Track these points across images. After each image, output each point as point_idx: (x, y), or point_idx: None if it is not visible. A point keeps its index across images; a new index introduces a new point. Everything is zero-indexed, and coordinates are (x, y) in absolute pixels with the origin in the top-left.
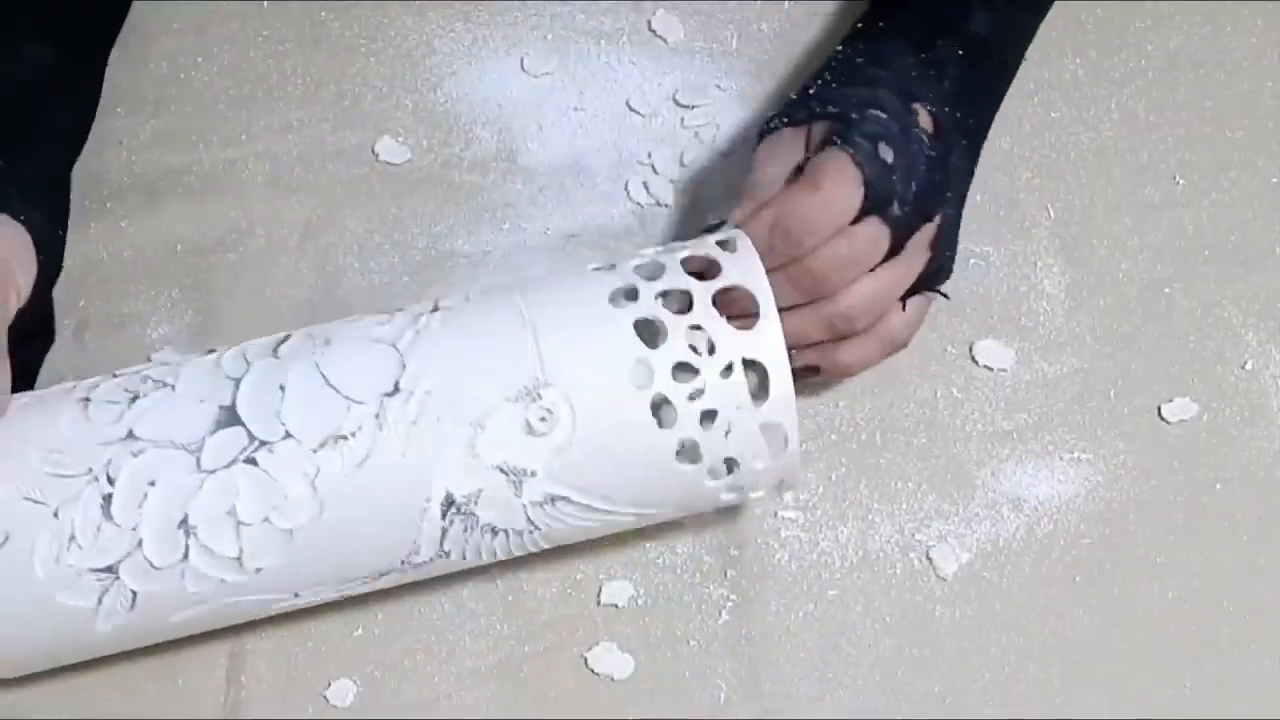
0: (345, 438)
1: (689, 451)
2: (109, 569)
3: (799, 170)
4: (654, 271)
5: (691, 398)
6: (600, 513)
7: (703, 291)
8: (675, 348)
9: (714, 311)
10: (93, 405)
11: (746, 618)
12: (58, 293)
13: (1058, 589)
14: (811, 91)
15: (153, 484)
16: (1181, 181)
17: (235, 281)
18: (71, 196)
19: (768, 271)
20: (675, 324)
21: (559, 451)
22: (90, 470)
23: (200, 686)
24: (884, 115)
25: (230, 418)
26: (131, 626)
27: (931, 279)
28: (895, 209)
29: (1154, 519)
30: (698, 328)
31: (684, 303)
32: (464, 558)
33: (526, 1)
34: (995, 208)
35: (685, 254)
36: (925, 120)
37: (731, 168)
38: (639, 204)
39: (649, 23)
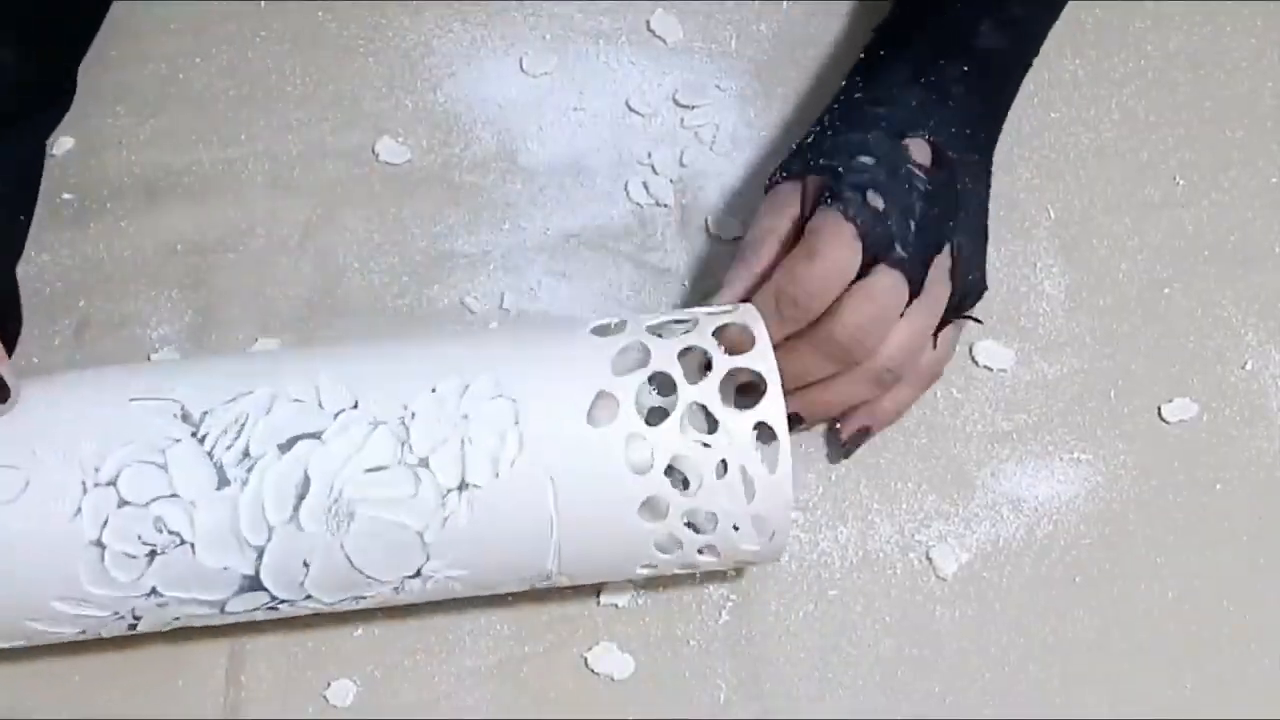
0: (362, 597)
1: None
2: None
3: (799, 228)
4: (665, 414)
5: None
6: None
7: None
8: (691, 549)
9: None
10: (109, 556)
11: (747, 617)
12: (57, 292)
13: (1058, 589)
14: (810, 140)
15: (177, 619)
16: (1181, 182)
17: (235, 281)
18: (71, 196)
19: (785, 339)
20: (678, 503)
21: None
22: (116, 614)
23: (200, 686)
24: (871, 161)
25: (254, 584)
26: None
27: (960, 306)
28: (899, 251)
29: (1154, 519)
30: (711, 514)
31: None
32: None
33: (525, 1)
34: (995, 208)
35: (701, 392)
36: (921, 152)
37: (731, 168)
38: (639, 204)
39: (648, 23)
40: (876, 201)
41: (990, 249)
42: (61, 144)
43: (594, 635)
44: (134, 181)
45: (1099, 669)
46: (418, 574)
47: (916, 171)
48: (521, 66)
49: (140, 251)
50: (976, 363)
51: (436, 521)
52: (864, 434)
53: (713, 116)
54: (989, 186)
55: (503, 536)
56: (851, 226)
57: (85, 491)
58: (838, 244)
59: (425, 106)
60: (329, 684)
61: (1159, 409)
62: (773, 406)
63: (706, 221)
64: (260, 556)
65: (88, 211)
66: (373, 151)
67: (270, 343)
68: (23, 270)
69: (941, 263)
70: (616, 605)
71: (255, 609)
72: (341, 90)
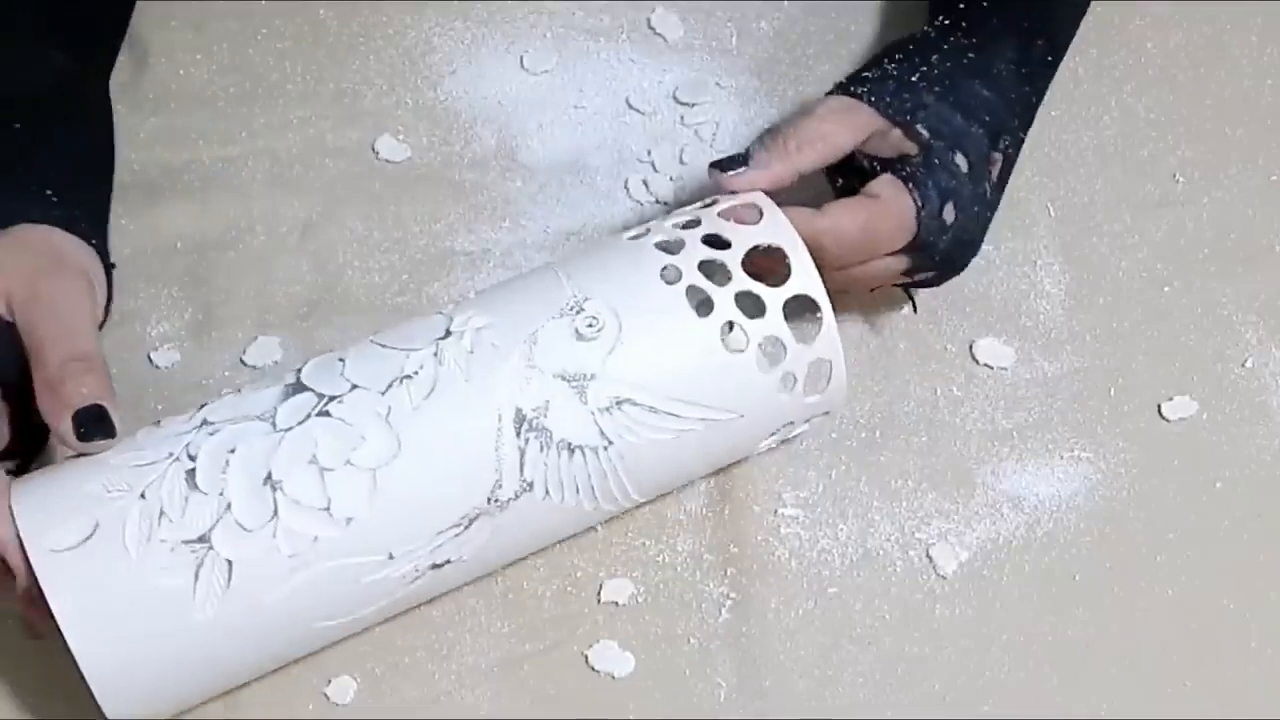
0: (409, 377)
1: (733, 340)
2: (201, 539)
3: (845, 165)
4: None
5: (720, 284)
6: (666, 415)
7: (710, 213)
8: (695, 249)
9: (721, 220)
10: (164, 420)
11: (747, 615)
12: None
13: (1057, 587)
14: (907, 75)
15: (233, 451)
16: (1181, 180)
17: (235, 279)
18: None
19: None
20: (690, 237)
21: (611, 351)
22: (170, 454)
23: None
24: (965, 168)
25: (298, 388)
26: (231, 613)
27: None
28: (932, 258)
29: (1154, 517)
30: (712, 234)
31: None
32: (548, 492)
33: (525, 0)
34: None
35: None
36: (996, 169)
37: None
38: (639, 202)
39: (648, 20)
40: (949, 215)
41: (990, 247)
42: None
43: (594, 633)
44: (134, 180)
45: (1098, 666)
46: (448, 334)
47: (988, 192)
48: (522, 64)
49: (140, 249)
50: (977, 361)
51: (451, 306)
52: None
53: (713, 114)
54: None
55: (518, 291)
56: (915, 224)
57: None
58: (897, 236)
59: (425, 104)
60: (329, 681)
61: (1159, 407)
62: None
63: None
64: (299, 370)
65: None
66: (373, 149)
67: (270, 340)
68: None
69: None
70: (617, 603)
71: (306, 414)
72: (342, 88)
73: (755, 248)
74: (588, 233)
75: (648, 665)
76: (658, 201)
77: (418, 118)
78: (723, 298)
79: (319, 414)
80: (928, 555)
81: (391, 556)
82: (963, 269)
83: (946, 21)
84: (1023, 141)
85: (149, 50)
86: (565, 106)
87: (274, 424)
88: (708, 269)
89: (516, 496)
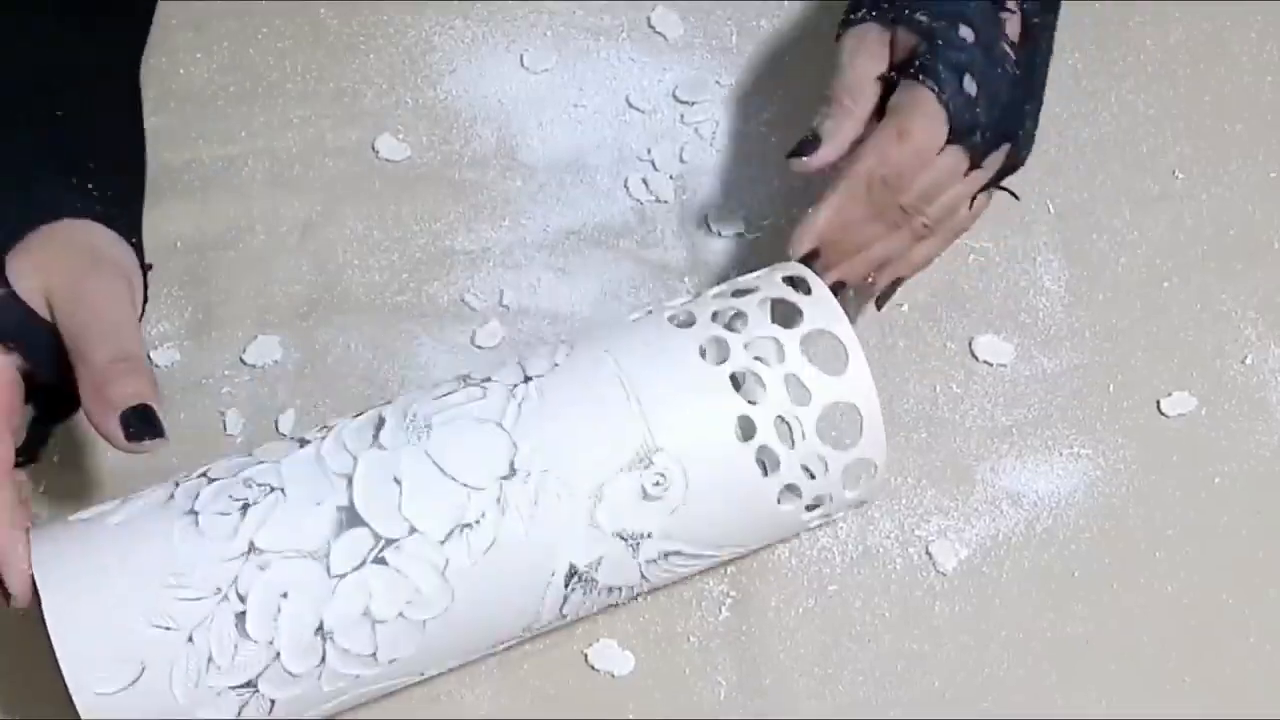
0: (470, 525)
1: (788, 493)
2: (248, 684)
3: (885, 88)
4: (734, 321)
5: (793, 446)
6: (706, 559)
7: (790, 339)
8: (773, 400)
9: (804, 360)
10: (203, 519)
11: (746, 614)
12: None
13: (1057, 584)
14: None
15: (285, 595)
16: (1180, 176)
17: (235, 279)
18: None
19: (862, 218)
20: (770, 376)
21: (674, 511)
22: (219, 590)
23: None
24: (970, 36)
25: (352, 519)
26: None
27: (1002, 174)
28: (976, 138)
29: (1153, 513)
30: (793, 376)
31: (773, 351)
32: (578, 615)
33: None
34: (995, 203)
35: (760, 297)
36: (1014, 27)
37: (731, 165)
38: (639, 200)
39: (648, 19)
40: (970, 87)
41: (990, 244)
42: None
43: (594, 632)
44: None
45: (1098, 664)
46: (512, 471)
47: (1009, 52)
48: (522, 63)
49: None
50: (976, 358)
51: (513, 409)
52: (898, 283)
53: (713, 113)
54: (1048, 64)
55: (585, 413)
56: (944, 111)
57: (177, 485)
58: (930, 125)
59: (425, 103)
60: None
61: (1158, 403)
62: (858, 368)
63: (706, 218)
64: (350, 484)
65: None
66: (373, 148)
67: (270, 339)
68: None
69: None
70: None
71: (362, 559)
72: (342, 87)
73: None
74: (588, 232)
75: (648, 664)
76: (658, 200)
77: (418, 117)
78: (790, 461)
79: (375, 560)
80: (927, 552)
81: (423, 674)
82: (1023, 139)
83: None
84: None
85: (149, 50)
86: (565, 105)
87: (328, 569)
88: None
89: (549, 624)
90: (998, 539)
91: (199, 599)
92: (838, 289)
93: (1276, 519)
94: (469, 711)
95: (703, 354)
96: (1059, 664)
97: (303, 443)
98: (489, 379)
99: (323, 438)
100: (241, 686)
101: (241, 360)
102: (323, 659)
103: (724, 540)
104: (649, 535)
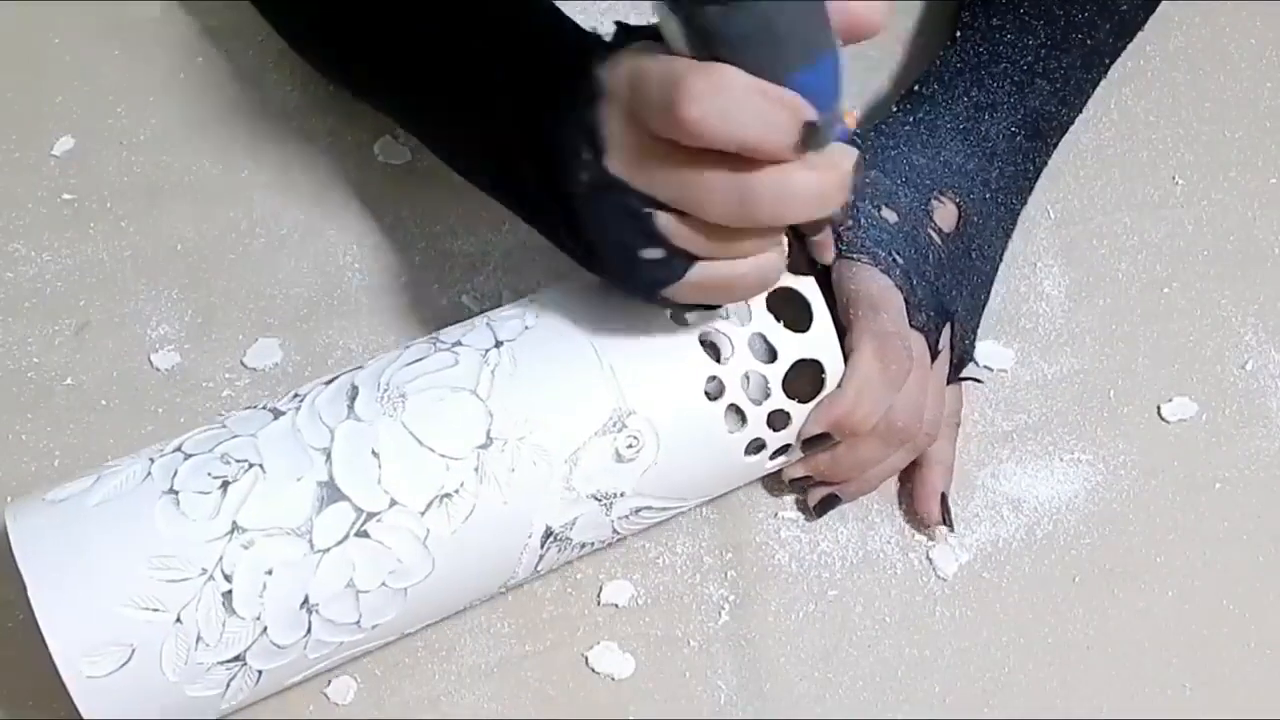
0: (449, 495)
1: (755, 445)
2: (236, 659)
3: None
4: None
5: (759, 403)
6: (673, 510)
7: (757, 299)
8: (741, 358)
9: (770, 318)
10: (184, 499)
11: (746, 618)
12: (57, 292)
13: (1057, 589)
14: None
15: (270, 573)
16: (1181, 182)
17: (235, 281)
18: (71, 196)
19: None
20: (738, 335)
21: (646, 471)
22: (204, 570)
23: None
24: (894, 219)
25: (333, 494)
26: (254, 696)
27: (954, 371)
28: (923, 316)
29: (1154, 519)
30: (758, 335)
31: (740, 315)
32: (552, 568)
33: None
34: None
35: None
36: (946, 214)
37: None
38: None
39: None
40: (897, 259)
41: None
42: (61, 144)
43: (594, 635)
44: (134, 181)
45: (1098, 669)
46: (489, 440)
47: (934, 238)
48: None
49: (140, 251)
50: (976, 363)
51: (486, 376)
52: (840, 500)
53: None
54: (1005, 249)
55: (559, 378)
56: (900, 295)
57: (153, 461)
58: (883, 295)
59: None
60: (329, 681)
61: (1159, 409)
62: (823, 323)
63: None
64: (329, 458)
65: (88, 211)
66: (373, 151)
67: (270, 342)
68: (22, 270)
69: (946, 330)
70: (617, 605)
71: (344, 533)
72: (341, 89)
73: (799, 361)
74: None
75: (648, 667)
76: None
77: None
78: (756, 417)
79: (357, 534)
80: (928, 558)
81: (404, 634)
82: (960, 326)
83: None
84: (1004, 197)
85: (149, 52)
86: None
87: (311, 544)
88: (746, 379)
89: (523, 581)
90: (998, 544)
91: (185, 580)
92: (829, 503)
93: (1277, 524)
94: (469, 712)
95: (675, 319)
96: (1060, 669)
97: (275, 413)
98: (459, 343)
99: (296, 408)
100: (230, 661)
101: (242, 363)
102: (308, 630)
103: (692, 492)
104: (622, 494)
